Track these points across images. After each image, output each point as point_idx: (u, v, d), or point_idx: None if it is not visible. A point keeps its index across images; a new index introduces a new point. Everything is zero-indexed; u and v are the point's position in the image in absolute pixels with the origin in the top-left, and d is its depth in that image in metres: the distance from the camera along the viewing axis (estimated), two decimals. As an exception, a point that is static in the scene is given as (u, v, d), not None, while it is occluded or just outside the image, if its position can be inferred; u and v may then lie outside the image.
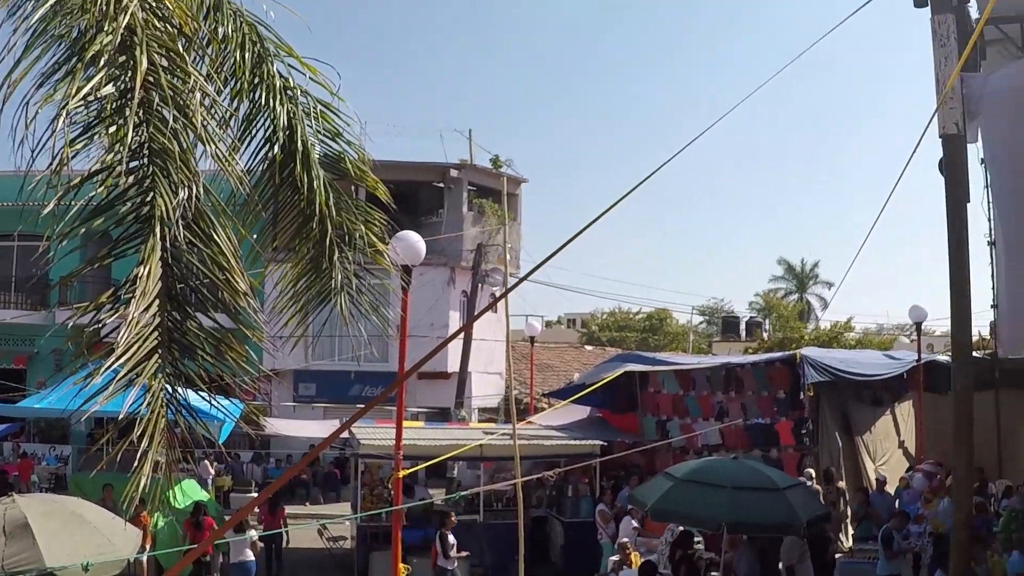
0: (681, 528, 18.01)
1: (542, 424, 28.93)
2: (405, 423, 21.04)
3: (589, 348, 59.90)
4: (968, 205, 9.66)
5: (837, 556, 19.05)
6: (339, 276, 9.54)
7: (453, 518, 21.49)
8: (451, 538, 20.57)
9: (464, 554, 21.40)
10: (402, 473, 19.20)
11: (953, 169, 9.03)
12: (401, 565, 19.35)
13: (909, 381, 28.12)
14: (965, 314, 8.28)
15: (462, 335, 39.20)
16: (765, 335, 68.10)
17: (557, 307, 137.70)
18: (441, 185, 44.77)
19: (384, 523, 22.56)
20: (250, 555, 21.29)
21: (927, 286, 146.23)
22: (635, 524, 20.94)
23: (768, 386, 26.36)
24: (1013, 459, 28.89)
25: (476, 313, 40.12)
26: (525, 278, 19.67)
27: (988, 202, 15.25)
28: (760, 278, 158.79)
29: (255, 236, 9.08)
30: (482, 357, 42.92)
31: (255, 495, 31.95)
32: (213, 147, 7.74)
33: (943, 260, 12.22)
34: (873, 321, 79.51)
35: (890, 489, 24.28)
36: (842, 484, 23.86)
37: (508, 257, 30.26)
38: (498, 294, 38.95)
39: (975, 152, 16.09)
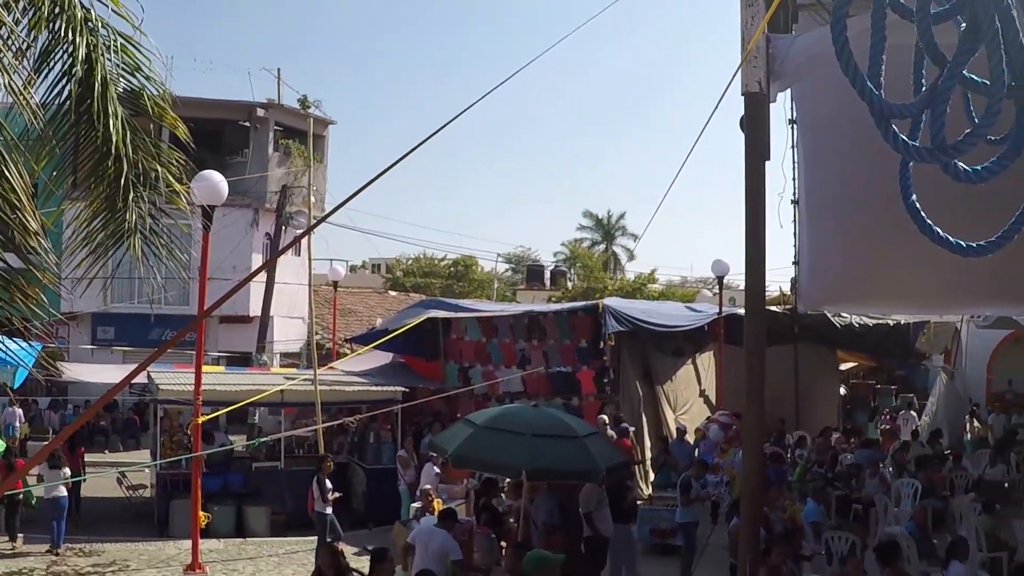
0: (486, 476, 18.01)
1: (344, 370, 28.71)
2: (205, 368, 20.63)
3: (393, 294, 59.60)
4: (768, 163, 9.75)
5: (636, 503, 19.27)
6: (133, 217, 9.17)
7: (330, 463, 21.07)
8: (328, 483, 20.20)
9: (337, 495, 20.97)
10: (201, 419, 18.83)
11: (753, 127, 9.10)
12: (201, 513, 19.00)
13: (710, 333, 28.64)
14: (759, 269, 8.36)
15: (264, 278, 38.66)
16: (569, 284, 68.72)
17: (362, 252, 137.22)
18: (247, 124, 43.77)
19: (184, 470, 22.13)
20: (63, 491, 20.74)
21: (731, 241, 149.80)
22: (436, 471, 20.89)
23: (571, 335, 26.51)
24: (810, 411, 29.77)
25: (276, 252, 39.44)
26: (326, 218, 19.43)
27: (794, 162, 15.48)
28: (567, 228, 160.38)
29: (51, 174, 8.68)
30: (285, 301, 42.29)
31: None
32: (7, 79, 7.33)
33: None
34: (677, 274, 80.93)
35: (690, 438, 24.74)
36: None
37: (312, 200, 29.79)
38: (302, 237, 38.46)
39: (781, 112, 16.33)
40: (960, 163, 2.91)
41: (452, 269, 71.17)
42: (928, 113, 2.82)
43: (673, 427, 25.37)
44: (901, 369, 39.53)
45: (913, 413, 30.52)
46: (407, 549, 15.24)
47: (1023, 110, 2.84)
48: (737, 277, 38.73)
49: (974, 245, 3.14)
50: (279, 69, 46.08)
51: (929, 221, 3.14)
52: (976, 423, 31.45)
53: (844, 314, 29.92)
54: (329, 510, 20.02)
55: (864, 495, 20.11)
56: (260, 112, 43.57)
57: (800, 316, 28.12)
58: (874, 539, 17.46)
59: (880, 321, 30.97)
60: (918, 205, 3.11)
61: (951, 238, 3.14)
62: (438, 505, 18.01)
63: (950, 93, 2.90)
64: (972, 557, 15.83)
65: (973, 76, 3.18)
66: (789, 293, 29.82)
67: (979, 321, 30.30)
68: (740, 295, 49.68)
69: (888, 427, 31.54)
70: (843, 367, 36.09)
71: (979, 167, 2.92)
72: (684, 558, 17.67)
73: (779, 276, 51.69)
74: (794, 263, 20.71)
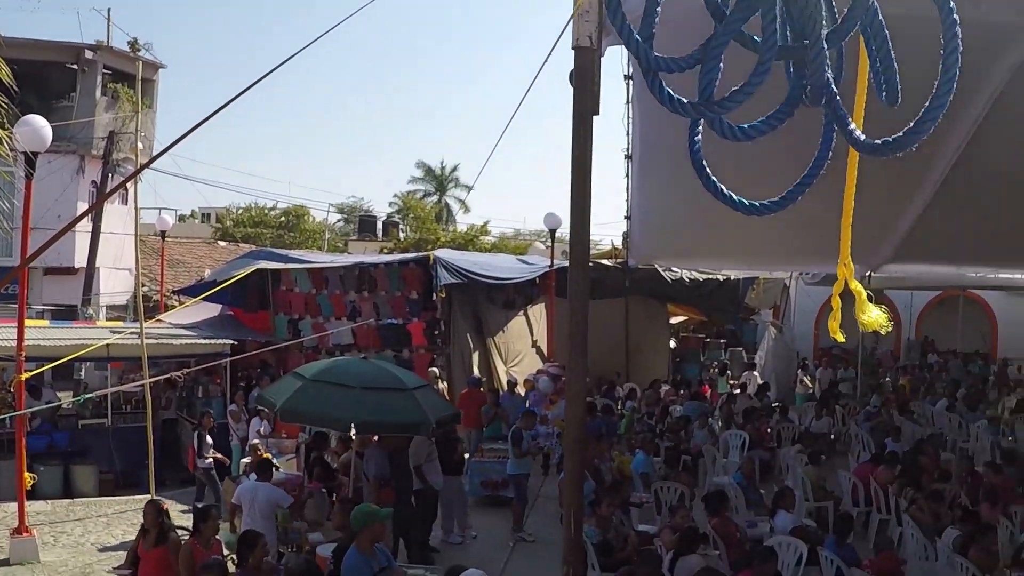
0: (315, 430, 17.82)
1: (172, 323, 28.11)
2: (28, 322, 19.98)
3: (223, 244, 58.48)
4: (596, 117, 9.75)
5: (466, 456, 19.28)
6: (-53, 163, 8.81)
7: (210, 418, 20.63)
8: (208, 438, 19.77)
9: (216, 456, 20.53)
10: (25, 375, 18.25)
11: (582, 81, 9.07)
12: (27, 474, 18.43)
13: (541, 286, 28.78)
14: (583, 223, 8.34)
15: (90, 228, 37.62)
16: (402, 236, 68.34)
17: (192, 201, 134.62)
18: (74, 67, 42.32)
19: (8, 429, 21.50)
20: None
21: (565, 195, 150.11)
22: (265, 425, 20.66)
23: (401, 287, 26.38)
24: (641, 363, 30.13)
25: (100, 197, 38.31)
26: (150, 163, 18.87)
27: (629, 117, 15.50)
28: (401, 179, 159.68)
29: None
30: (111, 252, 41.12)
31: None
32: None
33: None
34: (510, 226, 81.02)
35: (522, 391, 24.83)
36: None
37: (141, 147, 29.07)
38: (129, 184, 37.46)
39: (617, 66, 16.36)
40: (726, 120, 2.87)
41: (283, 219, 70.27)
42: (700, 68, 2.77)
43: (504, 379, 25.45)
44: (730, 323, 40.27)
45: (755, 374, 31.12)
46: (233, 509, 15.02)
47: (797, 70, 2.80)
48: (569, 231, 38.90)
49: (757, 204, 3.11)
50: (108, 10, 44.92)
51: (714, 178, 3.10)
52: (804, 377, 32.22)
53: (675, 269, 30.32)
54: (207, 465, 19.78)
55: (693, 446, 20.46)
56: (88, 54, 42.07)
57: (631, 270, 28.39)
58: (702, 489, 17.80)
59: (710, 276, 31.47)
60: (704, 162, 3.07)
61: (734, 196, 3.10)
62: (269, 459, 17.79)
63: (722, 49, 2.86)
64: (798, 506, 16.20)
65: (754, 36, 3.16)
66: (621, 247, 30.09)
67: (808, 278, 30.93)
68: (572, 247, 50.22)
69: (735, 382, 32.12)
70: (673, 321, 36.62)
71: (746, 125, 2.88)
72: (515, 510, 17.73)
73: (613, 230, 52.25)
74: (626, 218, 20.82)
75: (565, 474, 8.04)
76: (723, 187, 3.11)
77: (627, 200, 19.49)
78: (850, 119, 2.79)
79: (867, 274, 25.21)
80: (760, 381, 30.30)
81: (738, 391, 27.95)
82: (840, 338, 3.43)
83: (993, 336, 44.15)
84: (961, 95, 2.56)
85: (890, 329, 3.01)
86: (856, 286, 3.00)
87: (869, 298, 2.96)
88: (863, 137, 2.75)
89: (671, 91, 2.87)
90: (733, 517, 14.69)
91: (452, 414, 16.53)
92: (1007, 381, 35.56)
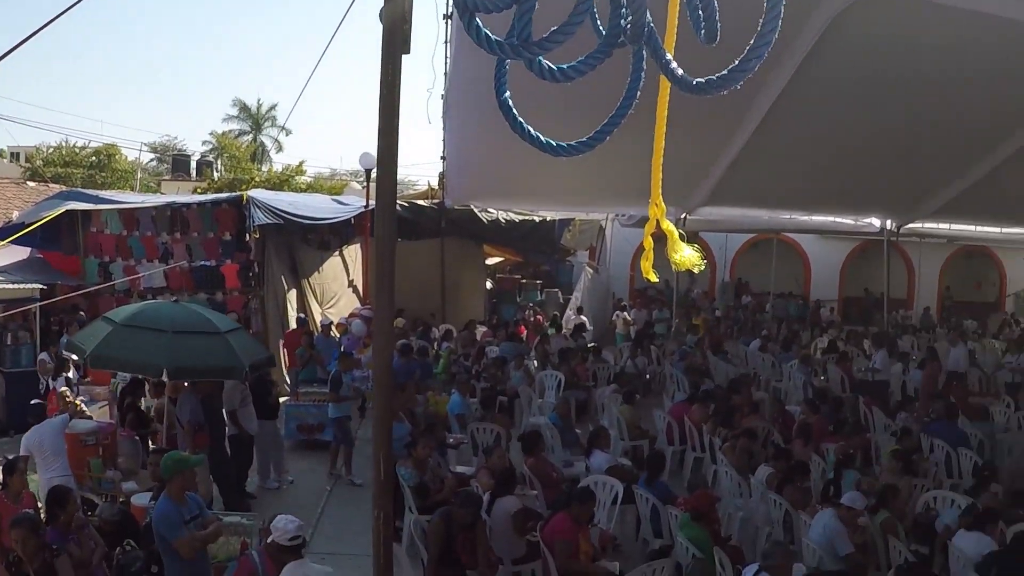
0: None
1: (-26, 267, 27.14)
2: None
3: (32, 184, 56.55)
4: (406, 56, 9.61)
5: (282, 400, 19.07)
6: None
7: None
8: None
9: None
10: None
11: (391, 19, 8.90)
12: None
13: (357, 226, 28.56)
14: (391, 164, 8.20)
15: None
16: (216, 175, 67.12)
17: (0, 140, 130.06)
18: None
19: None
20: None
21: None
22: (74, 372, 20.16)
23: (215, 227, 25.81)
24: (457, 304, 30.16)
25: None
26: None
27: (446, 57, 15.37)
28: (216, 118, 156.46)
29: None
30: (-87, 193, 39.69)
31: None
32: None
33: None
34: (327, 166, 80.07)
35: (337, 334, 24.66)
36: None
37: (-61, 84, 27.94)
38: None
39: (434, 6, 16.21)
40: (545, 61, 2.80)
41: (94, 159, 68.36)
42: (516, 7, 2.69)
43: (319, 321, 25.21)
44: (546, 264, 40.50)
45: (584, 318, 31.38)
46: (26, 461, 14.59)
47: (615, 7, 2.74)
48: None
49: (565, 145, 3.06)
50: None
51: (520, 120, 3.03)
52: (624, 315, 32.61)
53: (491, 210, 30.33)
54: None
55: (509, 387, 20.53)
56: None
57: (448, 210, 28.36)
58: (519, 430, 17.89)
59: (526, 217, 31.55)
60: (511, 103, 3.00)
61: (541, 137, 3.04)
62: (79, 407, 17.34)
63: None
64: (614, 446, 16.43)
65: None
66: (437, 188, 30.04)
67: (623, 219, 31.28)
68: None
69: (535, 319, 32.29)
70: (490, 262, 36.66)
71: (565, 65, 2.82)
72: (333, 452, 17.61)
73: (430, 171, 52.19)
74: (442, 158, 20.76)
75: (374, 417, 7.94)
76: (530, 128, 3.04)
77: (443, 140, 19.44)
78: (670, 56, 2.74)
79: (682, 216, 25.64)
80: (578, 320, 30.60)
81: (552, 332, 28.12)
82: (652, 278, 3.39)
83: (806, 278, 45.47)
84: (779, 43, 2.53)
85: (703, 268, 2.99)
86: (668, 225, 2.97)
87: (681, 237, 2.93)
88: (684, 75, 2.70)
89: (488, 32, 2.78)
90: (549, 457, 14.82)
91: (266, 358, 16.25)
92: (819, 321, 36.72)
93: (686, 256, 2.95)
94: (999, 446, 18.17)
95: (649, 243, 3.23)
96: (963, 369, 24.58)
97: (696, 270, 3.04)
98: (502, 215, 30.93)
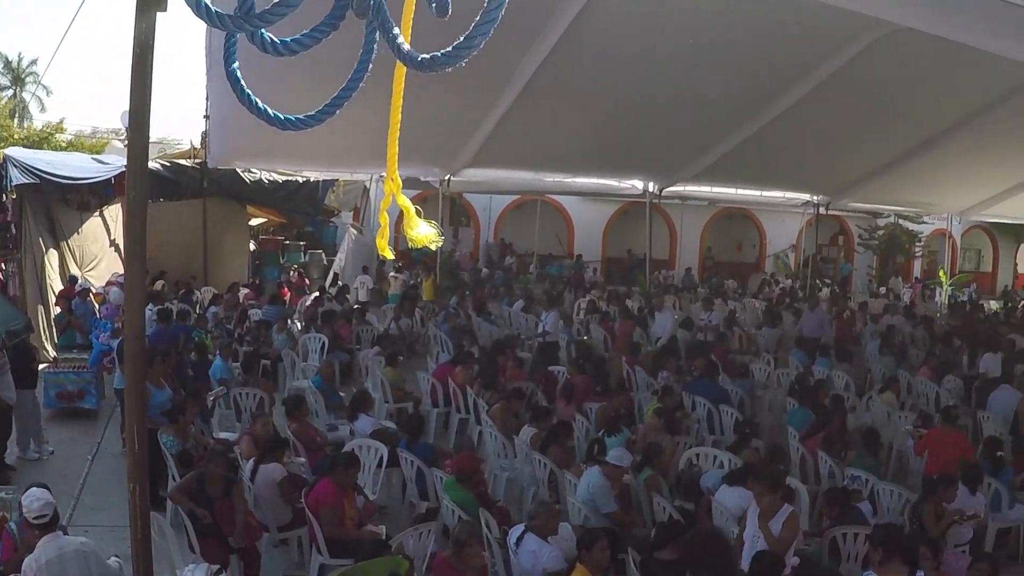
0: None
1: None
2: None
3: None
4: (161, 13, 9.28)
5: (42, 366, 18.43)
6: None
7: None
8: None
9: None
10: None
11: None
12: None
13: (118, 186, 27.78)
14: (143, 124, 7.93)
15: None
16: (-29, 133, 64.29)
17: None
18: None
19: None
20: None
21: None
22: None
23: (-32, 188, 24.75)
24: (219, 266, 29.64)
25: None
26: None
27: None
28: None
29: None
30: None
31: None
32: None
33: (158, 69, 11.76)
34: (88, 125, 77.47)
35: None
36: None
37: None
38: None
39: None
40: (268, 34, 2.72)
41: None
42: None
43: (78, 285, 24.44)
44: (310, 225, 40.12)
45: (368, 277, 31.14)
46: None
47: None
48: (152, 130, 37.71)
49: (293, 119, 2.99)
50: None
51: (248, 91, 2.96)
52: (399, 279, 32.36)
53: (254, 170, 29.82)
54: None
55: (272, 351, 20.27)
56: None
57: (210, 170, 27.79)
58: (282, 394, 17.71)
59: (290, 177, 31.08)
60: (239, 75, 2.92)
61: (269, 110, 2.97)
62: None
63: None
64: (378, 408, 16.39)
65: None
66: (200, 147, 29.43)
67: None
68: (153, 148, 48.69)
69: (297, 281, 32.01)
70: (253, 223, 36.09)
71: (288, 39, 2.75)
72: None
73: (192, 129, 51.09)
74: (205, 117, 20.36)
75: (127, 387, 7.70)
76: (258, 101, 2.96)
77: (206, 99, 19.07)
78: (398, 31, 2.69)
79: (446, 178, 25.73)
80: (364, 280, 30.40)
81: (318, 294, 27.83)
82: (388, 255, 3.36)
83: (569, 239, 46.13)
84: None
85: (440, 244, 2.95)
86: (403, 201, 2.92)
87: (417, 213, 2.89)
88: (410, 51, 2.65)
89: (208, 2, 2.68)
90: (313, 421, 14.70)
91: (24, 324, 15.71)
92: (582, 282, 37.26)
93: (422, 233, 2.91)
94: (759, 403, 18.69)
95: (385, 219, 3.18)
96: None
97: (434, 247, 3.01)
98: (265, 175, 30.41)
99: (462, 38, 2.55)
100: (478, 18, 2.52)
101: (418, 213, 2.91)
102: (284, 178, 30.95)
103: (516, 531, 9.70)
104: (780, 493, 9.87)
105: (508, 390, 16.00)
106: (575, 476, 12.11)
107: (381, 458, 12.93)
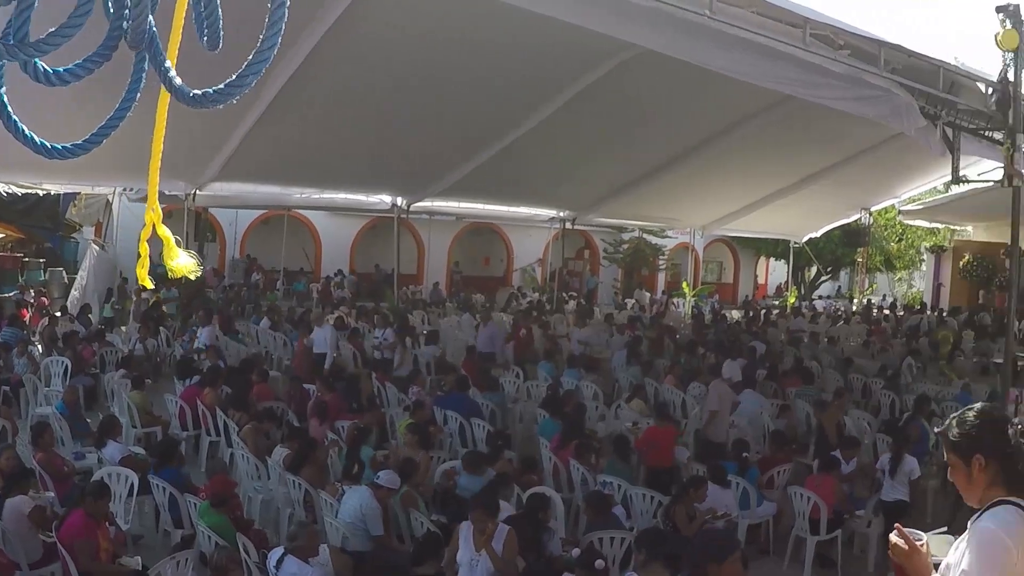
0: None
1: None
2: None
3: None
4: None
5: None
6: None
7: None
8: None
9: None
10: None
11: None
12: None
13: None
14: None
15: None
16: None
17: None
18: None
19: None
20: None
21: None
22: None
23: None
24: None
25: None
26: None
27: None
28: None
29: None
30: None
31: None
32: None
33: None
34: None
35: None
36: None
37: None
38: None
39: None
40: (41, 63, 2.62)
41: None
42: (15, 6, 2.49)
43: None
44: (50, 241, 38.73)
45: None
46: None
47: (117, 8, 2.59)
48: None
49: (60, 147, 2.88)
50: None
51: (15, 118, 2.83)
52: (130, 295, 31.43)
53: (-8, 182, 28.53)
54: None
55: (13, 376, 19.45)
56: None
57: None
58: (26, 422, 16.98)
59: (29, 190, 29.85)
60: (5, 100, 2.78)
61: (36, 138, 2.85)
62: None
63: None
64: (126, 433, 15.91)
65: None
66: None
67: (131, 194, 30.29)
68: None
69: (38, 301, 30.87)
70: (-9, 238, 34.69)
71: (61, 69, 2.64)
72: None
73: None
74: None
75: None
76: (24, 127, 2.83)
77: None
78: (170, 65, 2.62)
79: (191, 192, 25.21)
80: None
81: (59, 314, 26.84)
82: (148, 285, 3.28)
83: (317, 255, 45.85)
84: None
85: (199, 273, 2.91)
86: (163, 232, 2.85)
87: (177, 243, 2.83)
88: (182, 85, 2.58)
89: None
90: (59, 449, 14.15)
91: None
92: (331, 299, 37.10)
93: (183, 263, 2.85)
94: (510, 414, 18.88)
95: (145, 249, 3.10)
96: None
97: (193, 276, 2.95)
98: (3, 187, 29.14)
99: (234, 76, 2.49)
100: (251, 57, 2.47)
101: (178, 243, 2.86)
102: (23, 191, 29.68)
103: (276, 554, 9.53)
104: (496, 516, 9.90)
105: (258, 410, 15.74)
106: (331, 496, 11.99)
107: (132, 485, 12.53)
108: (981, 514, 3.97)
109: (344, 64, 17.87)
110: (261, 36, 2.49)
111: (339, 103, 20.05)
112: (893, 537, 4.24)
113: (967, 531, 4.05)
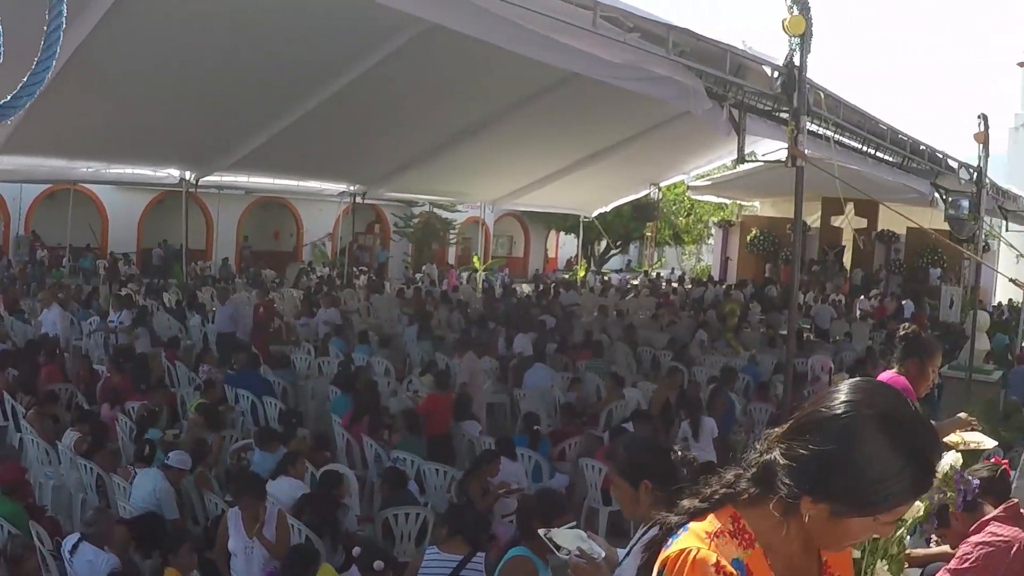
0: None
1: None
2: None
3: None
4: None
5: None
6: None
7: None
8: None
9: None
10: None
11: None
12: None
13: None
14: None
15: None
16: None
17: None
18: None
19: None
20: None
21: None
22: None
23: None
24: None
25: None
26: None
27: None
28: None
29: None
30: None
31: None
32: None
33: None
34: None
35: None
36: None
37: None
38: None
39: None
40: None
41: None
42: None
43: None
44: None
45: None
46: None
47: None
48: None
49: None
50: None
51: None
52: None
53: None
54: None
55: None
56: None
57: None
58: None
59: None
60: None
61: None
62: None
63: None
64: None
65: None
66: None
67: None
68: None
69: None
70: None
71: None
72: None
73: None
74: None
75: None
76: None
77: None
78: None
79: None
80: None
81: None
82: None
83: (104, 231, 44.77)
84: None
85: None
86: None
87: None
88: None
89: None
90: None
91: None
92: (118, 276, 36.24)
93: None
94: (302, 391, 18.80)
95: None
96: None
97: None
98: None
99: (9, 97, 2.50)
100: (26, 79, 2.49)
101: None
102: None
103: (70, 541, 9.36)
104: (264, 501, 9.93)
105: (46, 392, 15.33)
106: (124, 479, 11.80)
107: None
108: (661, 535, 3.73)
109: (130, 32, 17.46)
110: (36, 59, 2.49)
111: (127, 76, 19.60)
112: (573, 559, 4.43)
113: (637, 546, 4.27)
